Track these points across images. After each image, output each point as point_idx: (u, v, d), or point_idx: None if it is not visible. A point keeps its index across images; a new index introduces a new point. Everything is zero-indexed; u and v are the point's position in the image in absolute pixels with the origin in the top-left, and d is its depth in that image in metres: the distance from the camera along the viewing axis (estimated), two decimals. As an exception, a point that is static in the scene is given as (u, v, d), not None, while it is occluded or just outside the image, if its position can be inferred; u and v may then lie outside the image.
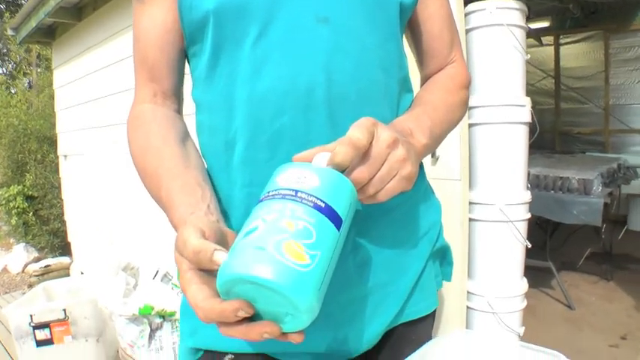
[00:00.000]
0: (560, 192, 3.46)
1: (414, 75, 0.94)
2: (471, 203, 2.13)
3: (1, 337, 3.77)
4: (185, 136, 0.82)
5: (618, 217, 5.02)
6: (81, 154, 4.77)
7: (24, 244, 6.15)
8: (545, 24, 6.59)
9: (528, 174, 2.34)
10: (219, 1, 0.74)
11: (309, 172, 0.59)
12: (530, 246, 2.15)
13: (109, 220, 4.32)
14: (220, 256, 0.54)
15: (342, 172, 0.61)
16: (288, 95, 0.74)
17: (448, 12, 0.94)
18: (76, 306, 2.91)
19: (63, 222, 5.64)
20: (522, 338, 2.14)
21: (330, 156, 0.61)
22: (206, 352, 0.83)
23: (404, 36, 0.93)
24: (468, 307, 2.18)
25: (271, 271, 0.49)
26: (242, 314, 0.53)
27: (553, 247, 3.90)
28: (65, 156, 5.22)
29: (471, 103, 2.03)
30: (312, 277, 0.52)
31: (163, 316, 2.66)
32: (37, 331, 2.85)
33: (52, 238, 6.03)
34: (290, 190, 0.57)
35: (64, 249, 5.89)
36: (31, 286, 5.03)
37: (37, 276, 5.38)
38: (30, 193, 6.15)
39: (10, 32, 5.19)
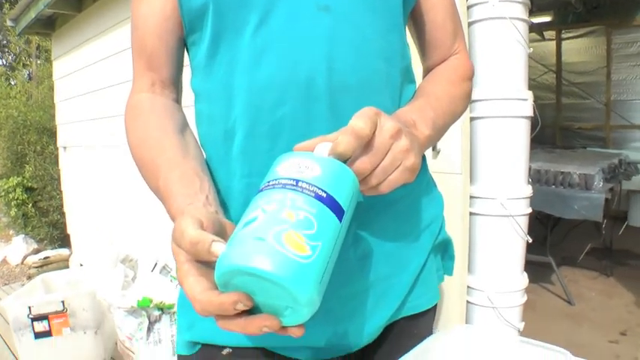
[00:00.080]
0: (562, 187, 3.45)
1: (417, 67, 0.93)
2: (471, 197, 2.12)
3: (0, 329, 3.77)
4: (184, 126, 0.81)
5: (619, 213, 5.02)
6: (80, 146, 4.77)
7: (23, 235, 6.15)
8: (547, 18, 6.57)
9: (529, 168, 2.33)
10: None
11: (311, 162, 0.57)
12: (531, 241, 2.14)
13: (108, 212, 4.31)
14: (218, 247, 0.52)
15: (345, 162, 0.60)
16: (289, 84, 0.73)
17: (451, 2, 0.93)
18: (74, 298, 2.91)
19: (62, 214, 5.64)
20: (522, 333, 2.13)
21: (332, 145, 0.59)
22: (204, 345, 0.82)
23: (406, 27, 0.91)
24: (467, 302, 2.17)
25: (271, 263, 0.48)
26: (241, 307, 0.52)
27: (553, 242, 3.90)
28: (65, 147, 5.22)
29: (473, 97, 2.01)
30: (312, 269, 0.50)
31: (162, 308, 2.65)
32: (35, 323, 2.84)
33: (51, 229, 6.04)
34: (290, 179, 0.55)
35: (64, 241, 5.90)
36: (30, 277, 5.03)
37: (36, 268, 5.38)
38: (29, 184, 6.15)
39: (9, 23, 5.17)
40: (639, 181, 4.67)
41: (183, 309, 0.85)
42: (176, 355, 0.88)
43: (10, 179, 6.13)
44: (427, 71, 0.96)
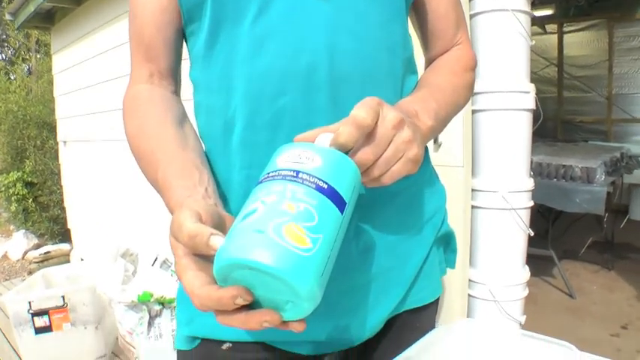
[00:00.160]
0: (563, 180, 3.44)
1: (419, 58, 0.92)
2: (473, 190, 2.12)
3: (0, 324, 3.76)
4: (182, 117, 0.80)
5: (620, 207, 5.02)
6: (80, 140, 4.76)
7: (24, 230, 6.15)
8: (549, 12, 6.54)
9: (531, 162, 2.32)
10: None
11: (311, 153, 0.56)
12: (532, 234, 2.13)
13: (109, 206, 4.31)
14: (217, 240, 0.51)
15: (346, 153, 0.58)
16: (289, 74, 0.71)
17: None
18: (74, 293, 2.90)
19: (63, 208, 5.64)
20: (523, 327, 2.13)
21: (334, 136, 0.58)
22: (203, 340, 0.81)
23: (408, 17, 0.90)
24: (469, 295, 2.17)
25: (271, 256, 0.46)
26: (240, 302, 0.50)
27: (555, 235, 3.89)
28: (65, 142, 5.21)
29: (475, 90, 2.00)
30: (313, 262, 0.49)
31: (162, 303, 2.65)
32: (35, 319, 2.84)
33: (51, 224, 6.04)
34: (291, 170, 0.54)
35: (64, 235, 5.90)
36: (31, 273, 5.02)
37: (37, 263, 5.38)
38: (30, 179, 6.14)
39: (8, 17, 5.15)
40: (640, 175, 4.67)
41: (183, 303, 0.84)
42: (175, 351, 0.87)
43: (11, 174, 6.13)
44: (429, 62, 0.94)
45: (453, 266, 0.99)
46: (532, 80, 2.13)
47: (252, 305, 0.52)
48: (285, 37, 0.72)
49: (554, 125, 6.86)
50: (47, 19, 4.89)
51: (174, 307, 2.65)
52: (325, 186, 0.53)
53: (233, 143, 0.76)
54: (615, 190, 4.03)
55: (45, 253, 5.54)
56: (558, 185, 3.45)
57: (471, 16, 2.06)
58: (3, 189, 6.14)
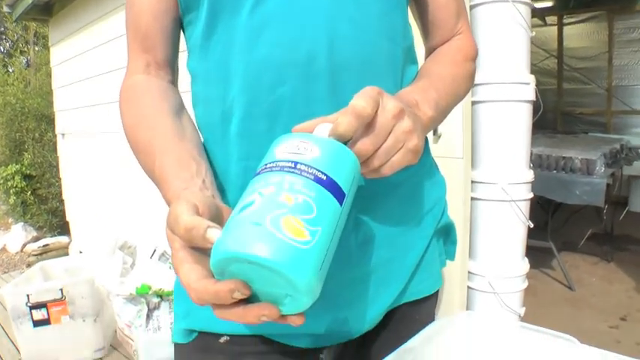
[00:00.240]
0: (563, 172, 3.44)
1: (419, 48, 0.90)
2: (473, 182, 2.11)
3: (-1, 317, 3.77)
4: (180, 108, 0.79)
5: (619, 199, 5.02)
6: (79, 133, 4.75)
7: (22, 223, 6.15)
8: (549, 3, 6.51)
9: (531, 153, 2.31)
10: None
11: (310, 143, 0.55)
12: (532, 226, 2.13)
13: (107, 198, 4.30)
14: (214, 233, 0.50)
15: (345, 143, 0.57)
16: (288, 64, 0.70)
17: None
18: (73, 286, 2.90)
19: (61, 201, 5.64)
20: (523, 319, 2.13)
21: (333, 126, 0.57)
22: (200, 333, 0.80)
23: (408, 6, 0.89)
24: (468, 287, 2.17)
25: (268, 249, 0.45)
26: (238, 295, 0.49)
27: (554, 227, 3.89)
28: (63, 134, 5.19)
29: (475, 81, 1.99)
30: (312, 255, 0.48)
31: (161, 295, 2.65)
32: (34, 311, 2.84)
33: (50, 217, 6.04)
34: (289, 161, 0.53)
35: (63, 228, 5.90)
36: (29, 265, 5.02)
37: (35, 255, 5.38)
38: (28, 172, 6.14)
39: (5, 9, 5.12)
40: (640, 167, 4.67)
41: (180, 296, 0.83)
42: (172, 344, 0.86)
43: (9, 167, 6.12)
44: (430, 52, 0.93)
45: (452, 258, 0.98)
46: (532, 72, 2.13)
47: (250, 299, 0.51)
48: (284, 25, 0.70)
49: (553, 117, 6.85)
50: (45, 11, 4.87)
51: (173, 300, 2.65)
52: (324, 177, 0.52)
53: (231, 134, 0.75)
54: (615, 182, 4.03)
55: (43, 245, 5.54)
56: (558, 177, 3.44)
57: (472, 7, 2.04)
58: (1, 182, 6.13)
